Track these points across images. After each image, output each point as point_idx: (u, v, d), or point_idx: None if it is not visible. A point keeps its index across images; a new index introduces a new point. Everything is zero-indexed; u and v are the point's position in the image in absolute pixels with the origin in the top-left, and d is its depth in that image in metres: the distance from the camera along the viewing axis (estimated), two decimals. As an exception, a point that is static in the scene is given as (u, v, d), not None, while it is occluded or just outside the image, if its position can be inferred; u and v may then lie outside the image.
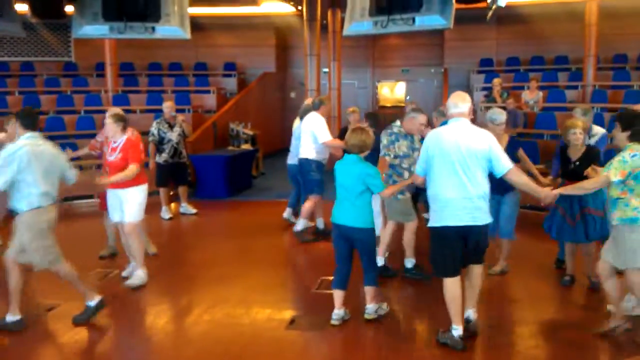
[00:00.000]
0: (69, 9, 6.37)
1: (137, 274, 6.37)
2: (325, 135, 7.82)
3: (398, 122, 6.36)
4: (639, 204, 4.63)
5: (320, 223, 8.39)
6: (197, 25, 12.99)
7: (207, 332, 5.27)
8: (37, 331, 5.35)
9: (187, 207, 10.00)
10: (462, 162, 4.57)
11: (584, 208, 5.87)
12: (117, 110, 6.44)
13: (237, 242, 8.33)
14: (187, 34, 6.16)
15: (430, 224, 4.82)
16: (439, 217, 4.72)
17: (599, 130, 6.66)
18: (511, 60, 16.52)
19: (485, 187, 4.65)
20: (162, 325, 5.53)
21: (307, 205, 8.04)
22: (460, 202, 4.59)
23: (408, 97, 18.66)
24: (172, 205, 10.09)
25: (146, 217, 6.69)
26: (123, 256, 6.84)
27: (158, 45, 15.93)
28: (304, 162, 8.03)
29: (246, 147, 13.41)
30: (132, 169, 6.10)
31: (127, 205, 6.25)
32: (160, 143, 9.50)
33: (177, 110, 10.37)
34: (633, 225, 4.64)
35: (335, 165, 5.30)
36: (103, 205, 6.91)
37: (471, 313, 4.94)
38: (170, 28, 6.07)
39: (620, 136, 4.93)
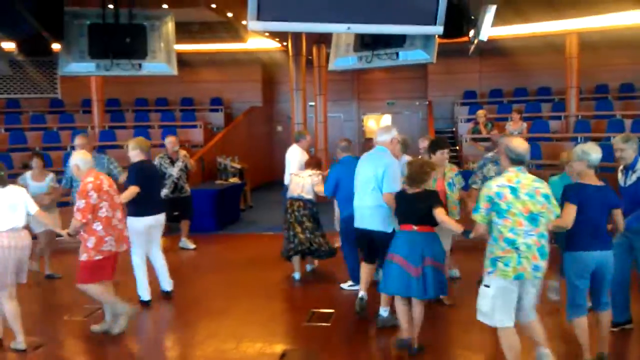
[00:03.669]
0: (56, 46, 6.41)
1: None
2: (294, 168, 8.59)
3: (492, 152, 7.22)
4: None
5: None
6: (184, 61, 13.12)
7: (197, 368, 5.24)
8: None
9: (186, 242, 9.91)
10: (366, 180, 5.84)
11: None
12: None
13: (226, 275, 8.29)
14: (174, 70, 6.20)
15: None
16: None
17: None
18: (494, 92, 16.76)
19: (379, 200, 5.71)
20: (151, 362, 5.48)
21: None
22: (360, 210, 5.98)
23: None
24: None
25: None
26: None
27: (144, 81, 16.03)
28: None
29: (234, 180, 13.41)
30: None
31: None
32: (161, 178, 9.28)
33: (162, 145, 10.39)
34: None
35: None
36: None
37: (362, 293, 6.19)
38: (157, 64, 6.11)
39: None
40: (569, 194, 4.61)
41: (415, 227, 5.09)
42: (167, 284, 7.04)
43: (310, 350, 5.48)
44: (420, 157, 7.03)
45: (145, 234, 6.72)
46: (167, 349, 5.78)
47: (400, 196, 5.37)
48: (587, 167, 4.67)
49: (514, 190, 4.26)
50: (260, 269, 8.50)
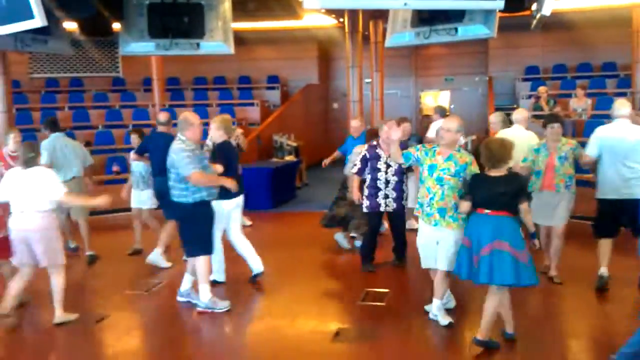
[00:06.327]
0: (116, 26, 6.53)
1: None
2: None
3: None
4: None
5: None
6: (240, 39, 13.15)
7: (251, 344, 5.31)
8: (87, 341, 5.48)
9: (242, 219, 9.96)
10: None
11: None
12: None
13: (281, 253, 8.33)
14: (231, 49, 6.23)
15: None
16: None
17: None
18: (557, 68, 16.22)
19: None
20: (205, 338, 5.58)
21: None
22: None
23: (452, 106, 18.50)
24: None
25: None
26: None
27: (202, 60, 16.16)
28: None
29: (290, 158, 13.47)
30: None
31: None
32: None
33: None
34: None
35: None
36: None
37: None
38: (215, 44, 6.16)
39: None
40: None
41: (487, 211, 4.69)
42: (257, 264, 6.83)
43: (364, 329, 5.47)
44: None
45: (227, 217, 6.57)
46: (222, 324, 5.86)
47: (480, 179, 4.90)
48: None
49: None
50: (314, 247, 8.51)
